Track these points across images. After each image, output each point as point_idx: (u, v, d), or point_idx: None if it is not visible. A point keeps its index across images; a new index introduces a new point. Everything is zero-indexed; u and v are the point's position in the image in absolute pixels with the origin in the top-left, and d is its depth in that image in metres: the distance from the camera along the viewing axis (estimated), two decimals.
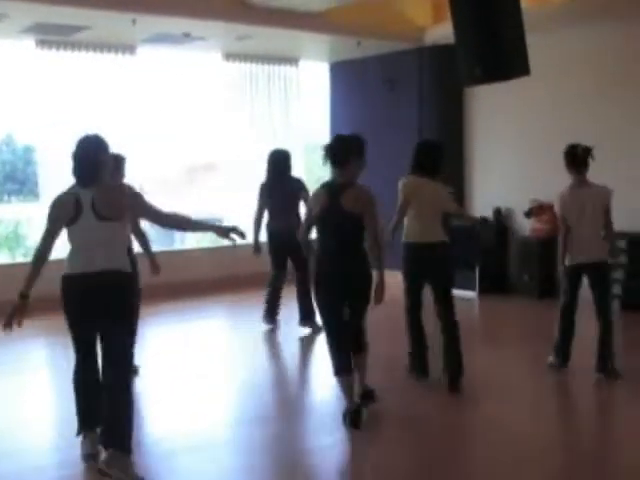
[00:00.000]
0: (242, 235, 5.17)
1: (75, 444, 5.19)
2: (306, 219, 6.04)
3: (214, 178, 10.95)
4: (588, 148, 7.02)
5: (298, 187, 8.84)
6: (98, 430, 5.01)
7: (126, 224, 5.26)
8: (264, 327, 9.08)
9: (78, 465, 5.12)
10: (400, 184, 7.00)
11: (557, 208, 7.30)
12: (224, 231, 5.20)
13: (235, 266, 11.33)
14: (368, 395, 6.15)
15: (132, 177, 11.75)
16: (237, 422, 6.24)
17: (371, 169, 12.63)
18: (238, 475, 5.12)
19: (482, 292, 10.84)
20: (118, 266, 4.95)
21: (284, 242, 8.67)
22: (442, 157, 7.01)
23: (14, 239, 14.09)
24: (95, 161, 5.12)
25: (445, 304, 6.69)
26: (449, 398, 6.49)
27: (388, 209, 12.78)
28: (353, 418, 5.67)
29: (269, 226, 9.01)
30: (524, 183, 10.99)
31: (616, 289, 9.75)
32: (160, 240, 13.55)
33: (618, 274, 9.75)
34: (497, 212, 11.26)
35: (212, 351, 8.50)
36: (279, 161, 8.97)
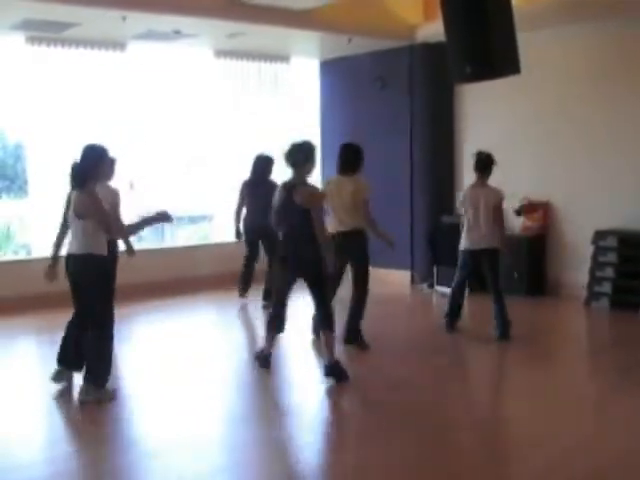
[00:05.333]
0: (168, 218, 6.47)
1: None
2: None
3: (204, 175, 10.93)
4: (489, 155, 8.61)
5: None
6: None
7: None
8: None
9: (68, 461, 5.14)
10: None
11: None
12: (154, 218, 6.48)
13: (228, 263, 11.31)
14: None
15: (122, 174, 11.79)
16: (223, 421, 6.23)
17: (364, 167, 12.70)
18: (223, 473, 5.11)
19: (471, 290, 10.83)
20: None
21: (259, 236, 10.09)
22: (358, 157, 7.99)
23: (5, 237, 14.05)
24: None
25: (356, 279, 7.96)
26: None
27: (379, 204, 12.79)
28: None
29: (245, 221, 10.27)
30: (514, 181, 10.98)
31: (605, 287, 9.79)
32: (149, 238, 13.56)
33: (608, 272, 9.77)
34: None
35: (200, 349, 8.44)
36: (262, 165, 10.18)
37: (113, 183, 8.54)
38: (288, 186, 6.81)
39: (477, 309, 10.44)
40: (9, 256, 12.25)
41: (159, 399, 6.61)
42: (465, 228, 8.54)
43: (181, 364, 7.69)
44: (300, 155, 6.81)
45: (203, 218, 13.24)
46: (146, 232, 13.76)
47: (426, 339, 8.59)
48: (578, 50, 10.29)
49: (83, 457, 5.37)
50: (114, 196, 8.27)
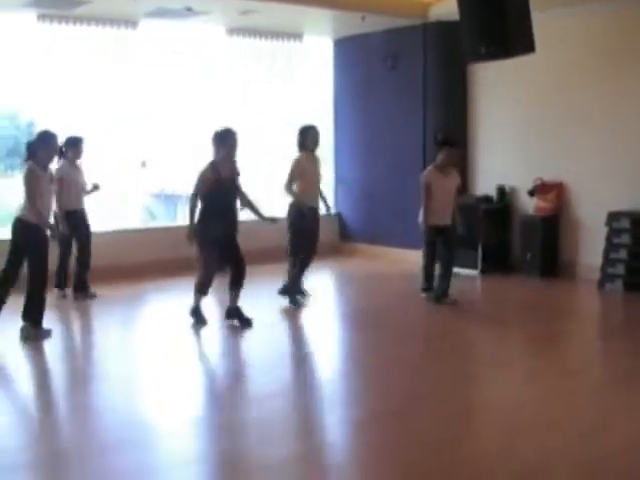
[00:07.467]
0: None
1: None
2: None
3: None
4: (443, 136, 9.62)
5: None
6: None
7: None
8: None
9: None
10: None
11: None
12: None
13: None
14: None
15: (134, 152, 11.75)
16: (209, 404, 6.19)
17: (374, 145, 12.71)
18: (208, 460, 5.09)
19: (484, 270, 10.80)
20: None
21: None
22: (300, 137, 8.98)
23: None
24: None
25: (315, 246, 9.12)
26: None
27: (392, 183, 12.78)
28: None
29: None
30: (528, 162, 10.92)
31: (619, 269, 9.71)
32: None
33: (622, 254, 9.69)
34: (501, 190, 11.19)
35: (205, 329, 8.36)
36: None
37: (82, 161, 9.45)
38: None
39: (490, 290, 10.43)
40: None
41: (149, 381, 6.62)
42: None
43: (182, 345, 7.66)
44: (215, 139, 7.85)
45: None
46: (158, 211, 13.79)
47: (433, 317, 8.60)
48: (595, 29, 10.15)
49: (69, 439, 5.33)
50: (79, 174, 9.33)
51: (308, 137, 8.92)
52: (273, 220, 8.38)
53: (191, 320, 8.12)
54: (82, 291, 9.46)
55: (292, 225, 8.94)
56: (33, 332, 7.53)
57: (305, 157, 8.91)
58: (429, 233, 8.93)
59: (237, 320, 8.00)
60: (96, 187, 9.61)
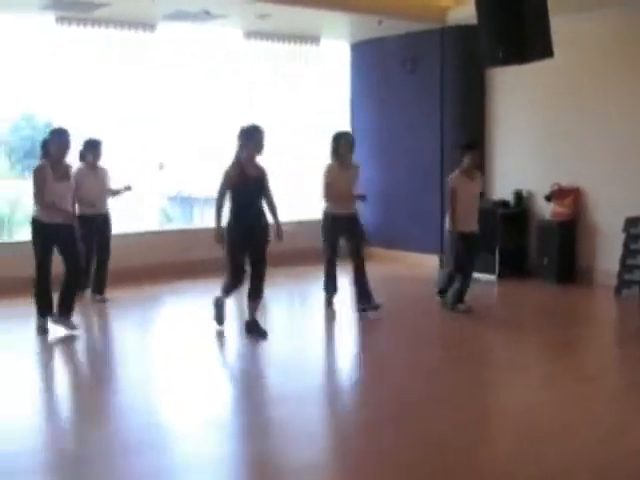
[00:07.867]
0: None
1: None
2: None
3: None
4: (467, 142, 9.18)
5: None
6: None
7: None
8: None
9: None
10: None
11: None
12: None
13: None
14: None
15: (148, 154, 11.78)
16: (228, 406, 6.22)
17: (392, 148, 12.70)
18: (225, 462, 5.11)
19: (501, 275, 10.77)
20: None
21: None
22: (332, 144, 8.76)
23: None
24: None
25: (357, 250, 8.81)
26: None
27: (409, 188, 12.72)
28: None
29: None
30: (545, 167, 10.88)
31: (636, 275, 9.67)
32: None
33: (639, 260, 9.65)
34: (518, 195, 11.16)
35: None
36: None
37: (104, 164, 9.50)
38: None
39: (507, 294, 10.41)
40: None
41: (168, 383, 6.63)
42: None
43: (200, 347, 7.67)
44: (241, 136, 7.62)
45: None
46: (175, 213, 13.83)
47: (450, 322, 8.58)
48: (609, 33, 10.11)
49: (89, 441, 5.35)
50: (99, 177, 9.35)
51: (341, 144, 8.68)
52: (280, 235, 7.87)
53: (212, 312, 8.02)
54: (99, 293, 9.47)
55: (321, 232, 8.83)
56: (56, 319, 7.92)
57: (337, 165, 8.68)
58: (456, 240, 8.73)
59: (254, 332, 7.77)
60: (127, 188, 9.64)
